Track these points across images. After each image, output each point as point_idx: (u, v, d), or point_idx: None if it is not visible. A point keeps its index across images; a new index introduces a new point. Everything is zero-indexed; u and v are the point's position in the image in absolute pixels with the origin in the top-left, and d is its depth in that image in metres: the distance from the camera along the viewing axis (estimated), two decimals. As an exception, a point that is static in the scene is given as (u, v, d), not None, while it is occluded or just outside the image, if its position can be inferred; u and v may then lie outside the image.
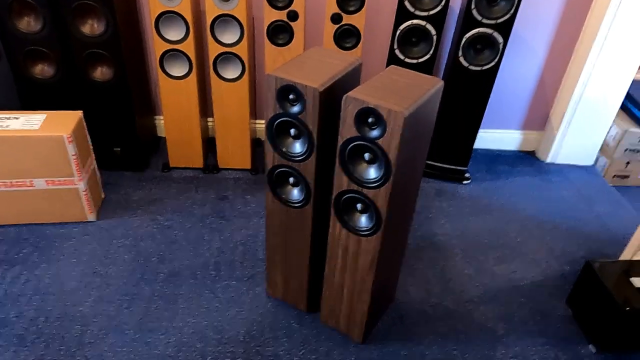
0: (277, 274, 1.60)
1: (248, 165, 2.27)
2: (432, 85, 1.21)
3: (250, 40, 1.98)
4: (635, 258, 1.82)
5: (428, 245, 1.95)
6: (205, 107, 2.28)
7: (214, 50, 1.95)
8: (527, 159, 2.56)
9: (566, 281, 1.83)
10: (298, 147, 1.29)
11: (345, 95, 1.13)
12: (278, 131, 1.29)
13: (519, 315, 1.68)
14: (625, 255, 1.88)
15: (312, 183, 1.32)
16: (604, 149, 2.61)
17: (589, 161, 2.54)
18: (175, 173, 2.24)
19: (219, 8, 1.85)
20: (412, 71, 1.28)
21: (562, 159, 2.52)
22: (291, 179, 1.38)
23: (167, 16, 1.86)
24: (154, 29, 1.88)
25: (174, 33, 1.91)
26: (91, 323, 1.55)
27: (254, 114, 2.35)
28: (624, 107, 2.60)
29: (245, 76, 2.01)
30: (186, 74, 2.00)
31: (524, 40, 2.25)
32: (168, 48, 1.93)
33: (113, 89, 1.98)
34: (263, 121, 2.45)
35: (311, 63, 1.28)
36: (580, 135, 2.44)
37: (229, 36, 1.93)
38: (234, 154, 2.23)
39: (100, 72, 1.95)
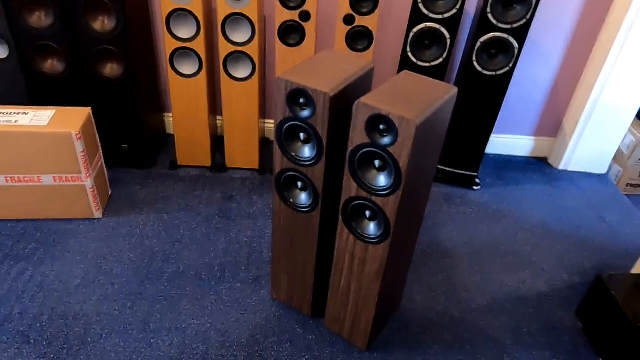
0: (282, 277, 1.58)
1: (256, 165, 2.25)
2: (446, 93, 1.19)
3: (261, 40, 1.96)
4: (647, 271, 1.79)
5: (435, 251, 1.93)
6: (215, 105, 2.27)
7: (224, 49, 1.93)
8: (538, 165, 2.52)
9: (576, 292, 1.80)
10: (307, 151, 1.27)
11: (356, 101, 1.11)
12: (287, 135, 1.27)
13: (526, 327, 1.66)
14: (637, 268, 1.84)
15: (321, 188, 1.30)
16: (617, 157, 2.56)
17: (602, 169, 2.50)
18: (182, 171, 2.23)
19: (231, 7, 1.83)
20: (426, 77, 1.25)
21: (574, 167, 2.48)
22: (299, 183, 1.36)
23: (179, 14, 1.85)
24: (164, 26, 1.86)
25: (185, 31, 1.89)
26: (95, 322, 1.54)
27: (263, 113, 2.33)
28: (639, 115, 2.56)
29: (256, 76, 1.99)
30: (196, 72, 1.98)
31: (538, 45, 2.22)
32: (178, 46, 1.91)
33: (122, 85, 1.97)
34: (271, 120, 2.43)
35: (322, 67, 1.26)
36: (594, 142, 2.39)
37: (240, 35, 1.91)
38: (242, 153, 2.22)
39: (110, 69, 1.94)
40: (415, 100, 1.13)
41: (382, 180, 1.18)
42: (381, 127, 1.11)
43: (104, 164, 1.96)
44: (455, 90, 1.22)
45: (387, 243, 1.25)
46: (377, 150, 1.14)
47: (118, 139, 2.11)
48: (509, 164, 2.50)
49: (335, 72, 1.23)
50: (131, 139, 2.12)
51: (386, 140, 1.11)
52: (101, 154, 1.94)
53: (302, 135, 1.26)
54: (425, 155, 1.20)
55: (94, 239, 1.84)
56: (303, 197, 1.37)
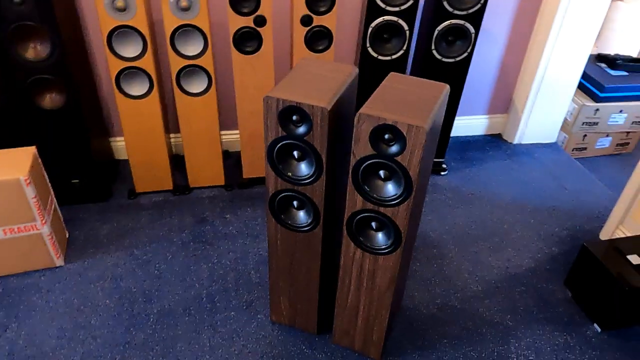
0: (282, 299, 1.51)
1: (221, 181, 2.14)
2: (440, 92, 1.16)
3: (214, 51, 1.84)
4: (617, 234, 1.89)
5: (421, 243, 1.93)
6: (170, 123, 2.12)
7: (176, 64, 1.79)
8: (494, 142, 2.60)
9: (558, 263, 1.87)
10: (304, 169, 1.20)
11: (358, 112, 1.05)
12: (279, 155, 1.19)
13: (522, 305, 1.70)
14: (607, 231, 1.95)
15: (322, 205, 1.23)
16: (562, 124, 2.69)
17: (551, 138, 2.62)
18: (143, 199, 2.07)
19: (179, 18, 1.70)
20: (414, 77, 1.22)
21: (527, 139, 2.59)
22: (295, 203, 1.28)
23: (121, 31, 1.68)
24: (106, 46, 1.69)
25: (130, 49, 1.73)
26: (84, 384, 1.39)
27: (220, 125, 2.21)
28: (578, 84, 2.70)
29: (212, 89, 1.87)
30: (147, 92, 1.83)
31: (485, 28, 2.26)
32: (125, 66, 1.75)
33: (65, 116, 1.78)
34: (231, 132, 2.31)
35: (308, 78, 1.18)
36: (543, 114, 2.50)
37: (192, 48, 1.78)
38: (205, 171, 2.09)
39: (50, 100, 1.74)
40: (415, 105, 1.09)
41: (391, 190, 1.13)
42: (386, 136, 1.06)
43: (57, 205, 1.77)
44: (447, 88, 1.19)
45: (398, 252, 1.22)
46: (384, 160, 1.09)
47: (67, 174, 1.91)
48: (468, 145, 2.56)
49: (324, 84, 1.16)
50: (81, 172, 1.93)
51: (393, 149, 1.07)
52: (53, 195, 1.74)
53: (296, 153, 1.19)
54: (429, 157, 1.17)
55: (62, 290, 1.65)
56: (301, 216, 1.29)
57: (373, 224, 1.22)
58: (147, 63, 1.76)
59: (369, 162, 1.10)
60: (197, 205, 2.05)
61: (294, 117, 1.12)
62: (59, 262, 1.72)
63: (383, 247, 1.22)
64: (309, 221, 1.28)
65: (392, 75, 1.22)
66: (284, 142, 1.16)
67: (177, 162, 2.19)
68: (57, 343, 1.49)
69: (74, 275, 1.71)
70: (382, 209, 1.16)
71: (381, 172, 1.13)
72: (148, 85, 1.82)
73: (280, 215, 1.30)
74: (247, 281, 1.72)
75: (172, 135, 2.23)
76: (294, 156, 1.19)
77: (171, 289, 1.68)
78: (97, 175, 1.97)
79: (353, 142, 1.09)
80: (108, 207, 2.01)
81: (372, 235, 1.24)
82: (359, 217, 1.20)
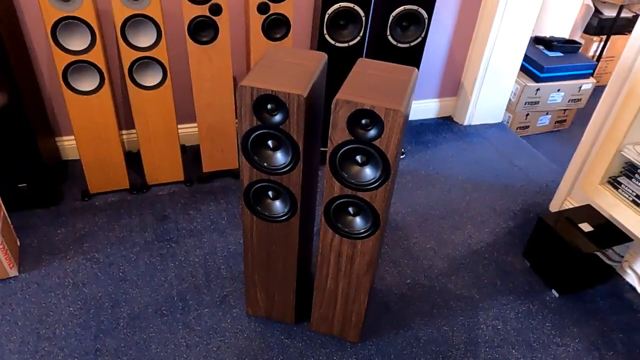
0: (258, 291, 1.49)
1: (181, 177, 2.07)
2: (411, 76, 1.18)
3: (169, 41, 1.77)
4: (565, 205, 2.02)
5: (387, 226, 1.97)
6: (124, 119, 2.02)
7: (127, 56, 1.71)
8: (446, 124, 2.69)
9: (515, 236, 1.97)
10: (280, 158, 1.19)
11: (335, 99, 1.05)
12: (254, 145, 1.17)
13: (486, 278, 1.78)
14: (556, 203, 2.08)
15: (299, 194, 1.23)
16: (507, 105, 2.83)
17: (498, 119, 2.75)
18: (98, 200, 1.97)
19: (129, 8, 1.62)
20: (383, 62, 1.23)
21: (476, 120, 2.69)
22: (270, 193, 1.27)
23: (66, 23, 1.58)
24: (50, 39, 1.59)
25: (77, 42, 1.63)
26: (55, 398, 1.32)
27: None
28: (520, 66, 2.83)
29: (168, 81, 1.80)
30: (97, 87, 1.73)
31: (434, 14, 2.31)
32: (72, 60, 1.65)
33: (8, 116, 1.65)
34: (186, 125, 2.24)
35: (279, 67, 1.17)
36: (490, 96, 2.61)
37: (144, 39, 1.70)
38: (163, 166, 2.02)
39: (-10, 99, 1.61)
40: (389, 89, 1.10)
41: (369, 174, 1.15)
42: (363, 121, 1.07)
43: (5, 212, 1.65)
44: (416, 71, 1.22)
45: (377, 234, 1.24)
46: (362, 145, 1.10)
47: (13, 179, 1.78)
48: (421, 128, 2.63)
49: (297, 71, 1.15)
50: (29, 176, 1.81)
51: (371, 133, 1.08)
52: (1, 202, 1.62)
53: (270, 142, 1.17)
54: (403, 139, 1.20)
55: (19, 302, 1.55)
56: (278, 206, 1.28)
57: (350, 209, 1.23)
58: (96, 56, 1.67)
59: (346, 147, 1.11)
60: (157, 203, 1.98)
61: (269, 106, 1.11)
62: (13, 272, 1.61)
63: (362, 231, 1.24)
64: (286, 210, 1.27)
65: (362, 61, 1.23)
66: (259, 132, 1.14)
67: (132, 159, 2.10)
68: (19, 358, 1.40)
69: (30, 285, 1.61)
70: (359, 194, 1.17)
71: (358, 157, 1.14)
72: (98, 79, 1.72)
73: (255, 207, 1.28)
74: (218, 276, 1.69)
75: (124, 131, 2.13)
76: (268, 146, 1.18)
77: (139, 291, 1.62)
78: (46, 177, 1.85)
79: (330, 128, 1.10)
80: (60, 211, 1.90)
81: (349, 220, 1.25)
82: (336, 203, 1.21)
